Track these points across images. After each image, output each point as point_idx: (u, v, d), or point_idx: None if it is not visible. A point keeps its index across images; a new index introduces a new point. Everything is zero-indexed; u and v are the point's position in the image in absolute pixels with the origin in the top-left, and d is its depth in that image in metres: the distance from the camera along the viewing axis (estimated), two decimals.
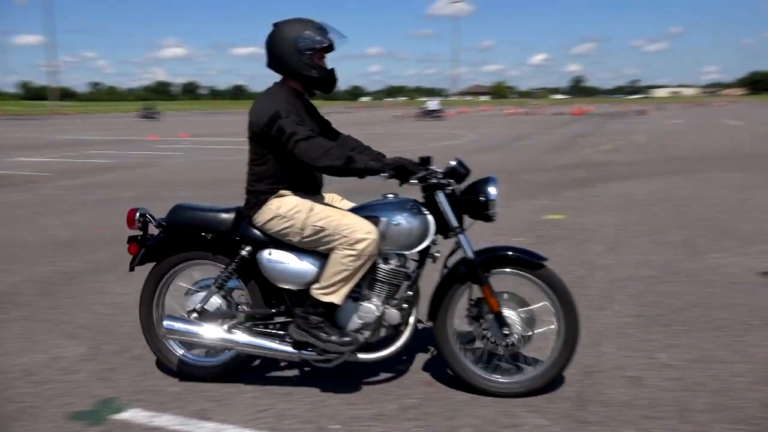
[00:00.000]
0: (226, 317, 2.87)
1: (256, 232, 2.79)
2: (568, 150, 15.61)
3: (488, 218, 2.77)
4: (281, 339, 2.82)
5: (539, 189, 9.18)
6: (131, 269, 3.01)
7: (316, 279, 2.71)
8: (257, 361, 3.17)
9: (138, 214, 2.96)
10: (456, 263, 2.81)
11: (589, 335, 3.60)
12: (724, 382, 2.96)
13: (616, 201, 7.96)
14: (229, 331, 2.82)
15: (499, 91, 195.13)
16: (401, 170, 2.64)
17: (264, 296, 2.85)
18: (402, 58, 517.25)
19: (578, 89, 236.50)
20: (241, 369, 3.01)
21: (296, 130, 2.58)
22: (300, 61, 2.69)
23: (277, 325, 2.85)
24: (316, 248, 2.72)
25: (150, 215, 3.00)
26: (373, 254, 2.65)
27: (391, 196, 2.86)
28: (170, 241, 2.93)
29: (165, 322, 2.85)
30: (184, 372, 2.98)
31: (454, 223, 2.76)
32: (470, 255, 2.76)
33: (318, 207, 2.74)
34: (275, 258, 2.76)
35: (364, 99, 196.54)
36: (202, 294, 2.89)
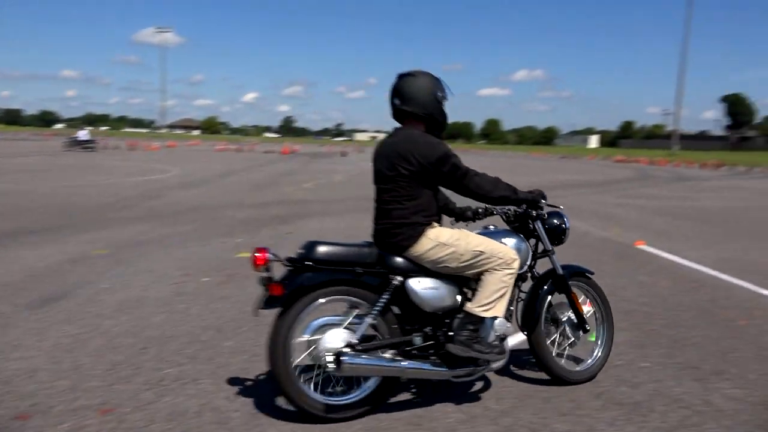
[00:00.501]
0: (382, 347, 2.92)
1: (405, 261, 2.98)
2: (272, 187, 16.03)
3: (562, 242, 3.58)
4: (433, 360, 3.01)
5: (238, 226, 9.17)
6: (261, 309, 2.94)
7: (456, 302, 3.05)
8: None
9: (268, 254, 2.86)
10: (541, 278, 3.47)
11: (262, 376, 3.62)
12: None
13: (308, 237, 8.31)
14: (393, 359, 2.90)
15: (211, 126, 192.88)
16: (536, 201, 3.34)
17: (402, 323, 2.97)
18: (104, 84, 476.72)
19: (288, 129, 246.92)
20: (383, 399, 3.04)
21: (468, 168, 3.03)
22: (437, 107, 3.11)
23: (418, 349, 3.00)
24: (469, 271, 3.02)
25: (275, 254, 2.91)
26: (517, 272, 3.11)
27: (492, 227, 3.41)
28: (316, 278, 2.89)
29: (346, 359, 2.78)
30: (335, 416, 2.90)
31: (549, 246, 3.48)
32: (560, 271, 3.49)
33: (471, 234, 3.11)
34: (425, 285, 2.97)
35: (59, 126, 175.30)
36: (340, 329, 2.89)
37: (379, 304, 2.94)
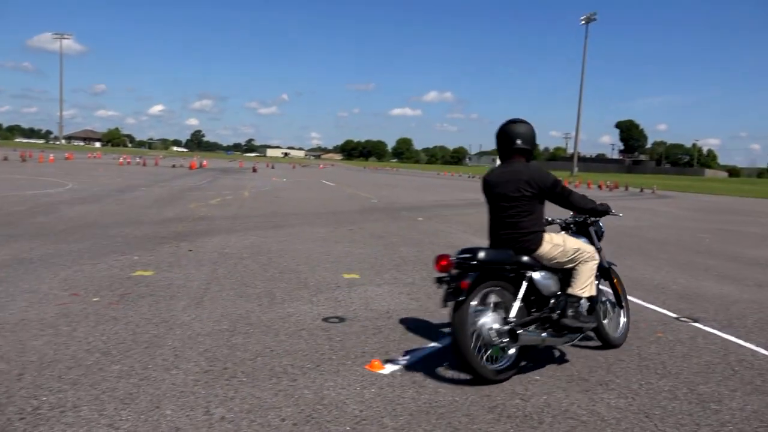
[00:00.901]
0: (529, 323, 3.97)
1: (532, 260, 3.96)
2: (176, 203, 15.48)
3: (601, 241, 4.77)
4: (550, 332, 4.07)
5: (135, 244, 8.76)
6: (448, 302, 3.77)
7: (560, 288, 4.12)
8: None
9: (451, 259, 3.80)
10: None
11: (150, 399, 3.46)
12: (273, 428, 3.16)
13: (210, 255, 8.12)
14: (536, 331, 3.98)
15: (114, 139, 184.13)
16: (606, 212, 4.46)
17: (527, 305, 3.99)
18: None
19: (198, 143, 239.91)
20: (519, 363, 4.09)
21: (569, 188, 4.04)
22: (535, 146, 4.13)
23: (538, 323, 4.05)
24: (570, 264, 4.09)
25: (453, 258, 3.84)
26: None
27: (564, 232, 4.63)
28: (483, 275, 3.79)
29: (521, 333, 3.81)
30: (502, 378, 3.87)
31: (599, 245, 4.67)
32: (606, 264, 4.75)
33: (567, 236, 4.23)
34: (545, 277, 4.03)
35: None
36: (495, 312, 3.86)
37: (520, 293, 3.95)
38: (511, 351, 3.98)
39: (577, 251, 4.14)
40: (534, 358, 4.52)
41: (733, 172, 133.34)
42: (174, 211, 13.61)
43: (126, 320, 4.98)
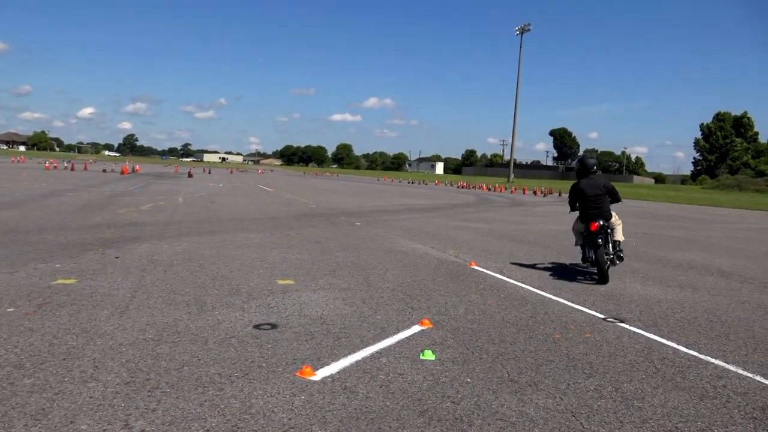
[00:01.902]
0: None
1: (608, 223, 8.17)
2: (105, 209, 14.91)
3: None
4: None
5: (58, 251, 8.36)
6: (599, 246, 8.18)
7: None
8: None
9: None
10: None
11: (65, 414, 3.27)
12: None
13: (138, 262, 7.83)
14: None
15: (40, 142, 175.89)
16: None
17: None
18: None
19: (131, 147, 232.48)
20: None
21: (617, 190, 8.57)
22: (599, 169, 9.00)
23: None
24: (617, 226, 8.59)
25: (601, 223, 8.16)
26: None
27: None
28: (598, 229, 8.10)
29: (614, 258, 8.40)
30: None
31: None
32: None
33: (614, 213, 8.61)
34: (613, 231, 8.50)
35: None
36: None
37: (609, 239, 8.19)
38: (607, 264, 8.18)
39: (618, 219, 8.59)
40: (466, 359, 4.55)
41: (659, 178, 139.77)
42: (102, 216, 13.09)
43: (43, 331, 4.72)
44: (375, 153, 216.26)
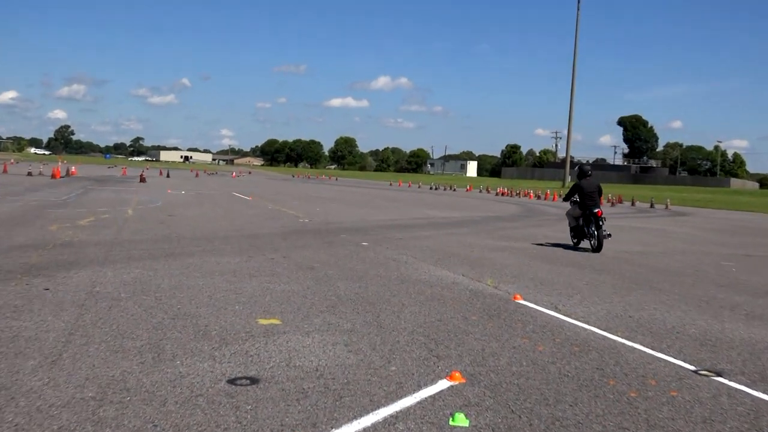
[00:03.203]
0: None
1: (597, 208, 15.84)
2: (30, 225, 15.04)
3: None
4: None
5: None
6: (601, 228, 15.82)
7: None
8: None
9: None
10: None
11: None
12: None
13: (75, 295, 7.87)
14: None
15: None
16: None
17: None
18: None
19: (65, 143, 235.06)
20: None
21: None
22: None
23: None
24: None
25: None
26: None
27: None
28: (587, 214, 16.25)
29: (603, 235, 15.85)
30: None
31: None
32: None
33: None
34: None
35: None
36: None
37: (601, 221, 15.70)
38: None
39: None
40: (510, 426, 4.52)
41: (766, 181, 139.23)
42: (27, 235, 13.19)
43: None
44: (386, 149, 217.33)
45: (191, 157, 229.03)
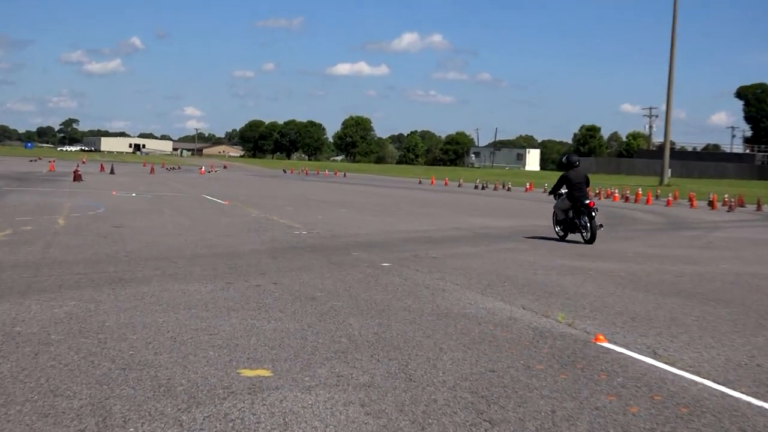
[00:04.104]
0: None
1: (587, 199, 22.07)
2: None
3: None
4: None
5: None
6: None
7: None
8: None
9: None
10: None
11: None
12: None
13: None
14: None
15: None
16: None
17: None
18: None
19: None
20: None
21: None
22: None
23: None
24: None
25: None
26: None
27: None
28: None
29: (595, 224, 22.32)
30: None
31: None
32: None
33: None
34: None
35: None
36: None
37: (593, 213, 21.50)
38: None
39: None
40: None
41: None
42: None
43: None
44: (413, 134, 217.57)
45: (144, 146, 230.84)
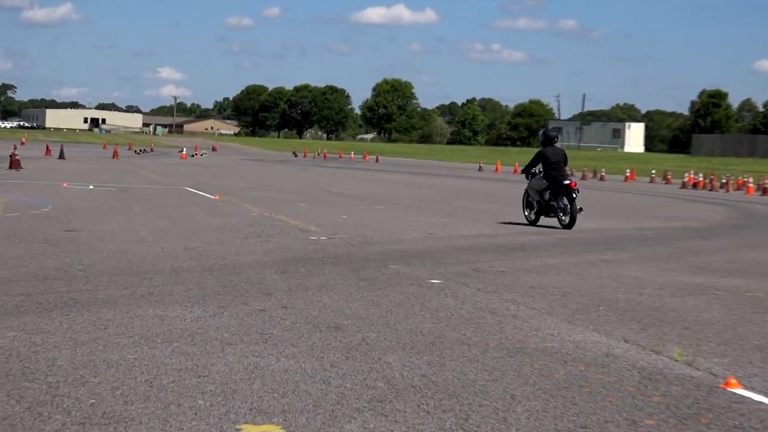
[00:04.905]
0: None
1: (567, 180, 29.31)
2: None
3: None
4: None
5: None
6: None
7: None
8: None
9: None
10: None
11: None
12: None
13: None
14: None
15: None
16: None
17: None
18: None
19: None
20: None
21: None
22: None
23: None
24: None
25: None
26: None
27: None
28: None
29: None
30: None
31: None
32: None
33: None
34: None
35: None
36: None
37: (572, 194, 27.95)
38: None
39: None
40: None
41: None
42: None
43: None
44: (470, 103, 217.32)
45: (104, 120, 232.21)
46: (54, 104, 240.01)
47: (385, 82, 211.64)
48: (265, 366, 8.97)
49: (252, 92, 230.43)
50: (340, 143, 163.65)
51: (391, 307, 12.26)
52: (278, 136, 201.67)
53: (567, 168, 29.57)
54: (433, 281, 14.55)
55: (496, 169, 76.93)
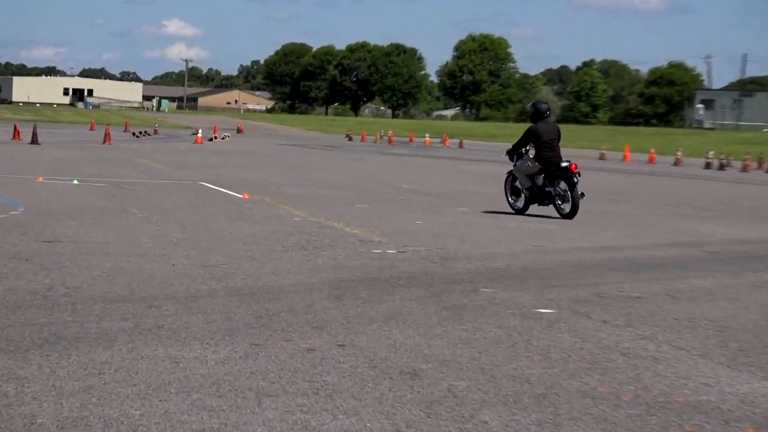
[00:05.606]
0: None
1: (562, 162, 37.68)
2: None
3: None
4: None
5: None
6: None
7: None
8: None
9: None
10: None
11: None
12: None
13: None
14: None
15: None
16: None
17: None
18: None
19: None
20: None
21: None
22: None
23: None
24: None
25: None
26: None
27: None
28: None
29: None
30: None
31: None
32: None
33: None
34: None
35: None
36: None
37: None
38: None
39: None
40: None
41: None
42: None
43: None
44: (587, 66, 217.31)
45: (91, 92, 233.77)
46: (23, 70, 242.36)
47: (471, 39, 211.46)
48: (318, 426, 8.96)
49: (290, 54, 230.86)
50: (411, 122, 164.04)
51: (485, 346, 12.25)
52: (326, 113, 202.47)
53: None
54: (541, 311, 14.53)
55: (624, 156, 76.68)
